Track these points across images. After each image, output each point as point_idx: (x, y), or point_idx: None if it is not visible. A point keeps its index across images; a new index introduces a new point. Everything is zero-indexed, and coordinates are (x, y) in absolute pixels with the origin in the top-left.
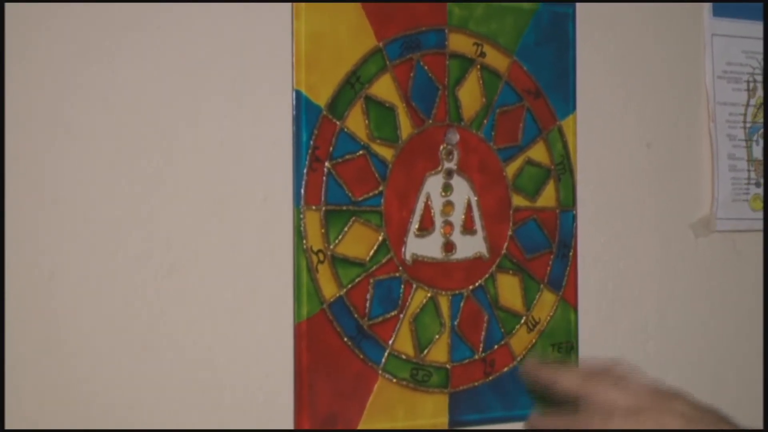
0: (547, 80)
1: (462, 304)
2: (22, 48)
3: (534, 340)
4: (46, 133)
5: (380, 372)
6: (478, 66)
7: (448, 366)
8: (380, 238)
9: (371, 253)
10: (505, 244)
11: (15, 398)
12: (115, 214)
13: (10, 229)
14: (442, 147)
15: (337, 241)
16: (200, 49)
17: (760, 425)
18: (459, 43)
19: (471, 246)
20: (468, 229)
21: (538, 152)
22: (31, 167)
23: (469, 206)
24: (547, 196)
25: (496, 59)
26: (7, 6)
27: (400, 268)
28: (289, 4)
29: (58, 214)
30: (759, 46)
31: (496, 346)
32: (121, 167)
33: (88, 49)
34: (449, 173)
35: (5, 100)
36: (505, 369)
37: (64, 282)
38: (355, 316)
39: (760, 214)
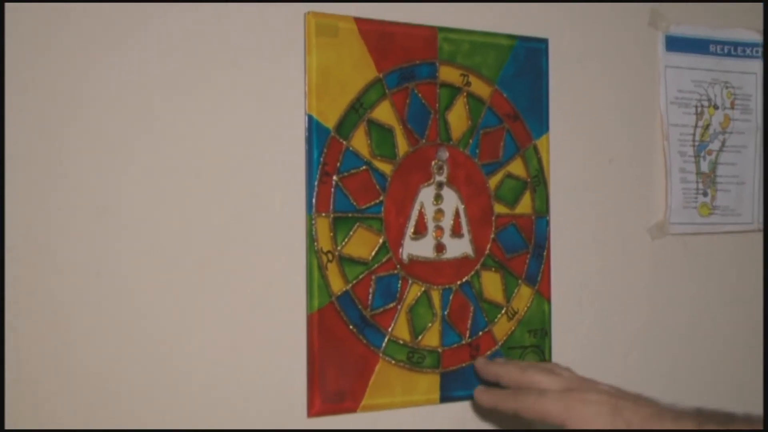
0: (524, 105)
1: (451, 297)
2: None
3: (513, 328)
4: (97, 149)
5: (381, 355)
6: (465, 93)
7: (439, 350)
8: (381, 240)
9: (373, 253)
10: (488, 246)
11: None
12: (153, 220)
13: (61, 232)
14: (433, 163)
15: (343, 243)
16: (227, 81)
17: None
18: (448, 74)
19: (459, 247)
20: (456, 233)
21: (516, 167)
22: (80, 178)
23: (457, 213)
24: (524, 205)
25: (480, 88)
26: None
27: (398, 266)
28: (301, 42)
29: (105, 220)
30: (705, 76)
31: (480, 333)
32: (158, 182)
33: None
34: (440, 185)
35: (64, 114)
36: (488, 352)
37: (109, 279)
38: (359, 307)
39: (707, 219)
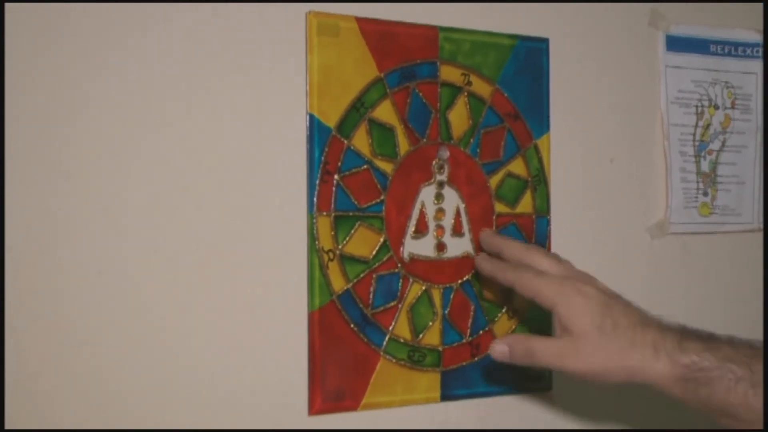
0: (525, 105)
1: (452, 296)
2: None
3: (514, 327)
4: (98, 148)
5: (382, 354)
6: (466, 93)
7: (440, 348)
8: (382, 239)
9: (374, 252)
10: None
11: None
12: (154, 218)
13: (63, 231)
14: (434, 162)
15: (344, 242)
16: (229, 81)
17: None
18: (449, 73)
19: (460, 246)
20: (457, 232)
21: (517, 166)
22: (82, 178)
23: (458, 212)
24: (525, 204)
25: (481, 87)
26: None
27: (399, 265)
28: (303, 41)
29: (106, 219)
30: (706, 76)
31: (481, 332)
32: (159, 180)
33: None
34: (441, 184)
35: (66, 114)
36: (489, 351)
37: (111, 278)
38: (360, 306)
39: (708, 219)
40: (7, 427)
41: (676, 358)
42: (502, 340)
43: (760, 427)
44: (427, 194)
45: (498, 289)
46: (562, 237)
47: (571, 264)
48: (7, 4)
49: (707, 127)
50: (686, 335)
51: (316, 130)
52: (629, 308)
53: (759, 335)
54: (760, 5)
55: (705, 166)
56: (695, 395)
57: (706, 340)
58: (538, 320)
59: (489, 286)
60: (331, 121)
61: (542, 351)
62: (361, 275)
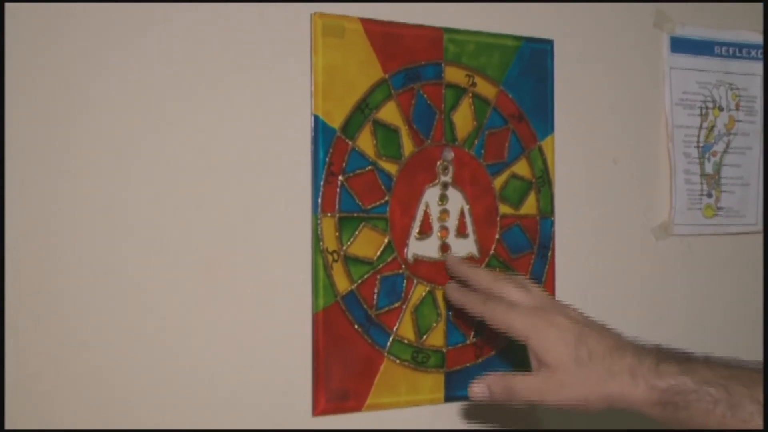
0: (529, 106)
1: None
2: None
3: None
4: (103, 147)
5: (386, 354)
6: (470, 94)
7: (444, 350)
8: (386, 240)
9: (378, 253)
10: (493, 246)
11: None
12: (159, 219)
13: (66, 231)
14: (439, 163)
15: (349, 243)
16: (234, 81)
17: None
18: (453, 74)
19: (464, 247)
20: (461, 233)
21: (521, 168)
22: (86, 177)
23: (462, 214)
24: (529, 205)
25: (486, 88)
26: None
27: (403, 266)
28: (308, 42)
29: (110, 219)
30: (710, 77)
31: (485, 333)
32: (164, 181)
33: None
34: (445, 185)
35: (69, 113)
36: (492, 353)
37: (114, 278)
38: (365, 306)
39: (712, 221)
40: (7, 427)
41: (654, 382)
42: (481, 380)
43: None
44: (431, 195)
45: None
46: (565, 238)
47: (541, 290)
48: (7, 4)
49: (711, 128)
50: (662, 358)
51: (320, 131)
52: (603, 334)
53: (761, 336)
54: (763, 6)
55: (709, 168)
56: (674, 418)
57: (683, 362)
58: (513, 348)
59: (459, 314)
60: (336, 122)
61: (521, 388)
62: (366, 276)
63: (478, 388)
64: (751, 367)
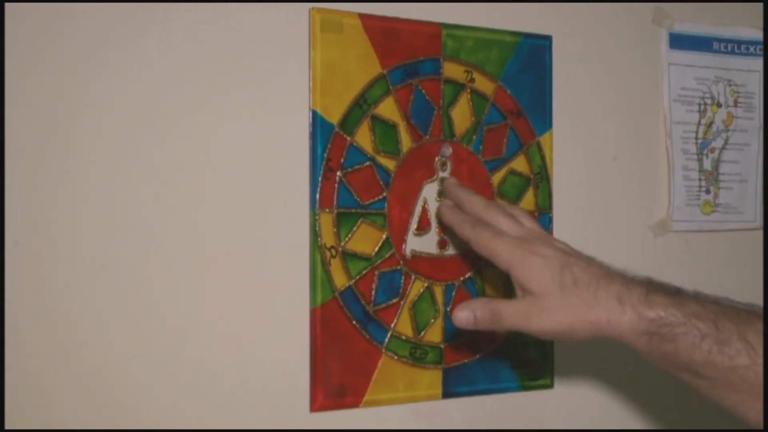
0: (528, 102)
1: (454, 293)
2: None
3: None
4: (103, 145)
5: (384, 350)
6: (469, 90)
7: (442, 346)
8: (384, 236)
9: (376, 249)
10: None
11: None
12: (157, 215)
13: (66, 228)
14: (437, 159)
15: (347, 239)
16: (232, 77)
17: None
18: (452, 70)
19: (462, 244)
20: None
21: (519, 164)
22: (86, 175)
23: None
24: (528, 201)
25: (484, 84)
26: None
27: (401, 262)
28: (306, 37)
29: (109, 216)
30: (709, 74)
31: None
32: (163, 177)
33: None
34: (443, 181)
35: (69, 111)
36: (490, 349)
37: (114, 275)
38: (363, 302)
39: (710, 217)
40: (7, 427)
41: (642, 311)
42: (465, 305)
43: (721, 386)
44: (429, 191)
45: (500, 284)
46: (564, 234)
47: (533, 222)
48: (7, 4)
49: (710, 124)
50: (653, 289)
51: (318, 126)
52: (591, 263)
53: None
54: (763, 3)
55: (707, 164)
56: (659, 350)
57: (673, 294)
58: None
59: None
60: (334, 117)
61: (507, 313)
62: (364, 272)
63: (462, 314)
64: (741, 307)
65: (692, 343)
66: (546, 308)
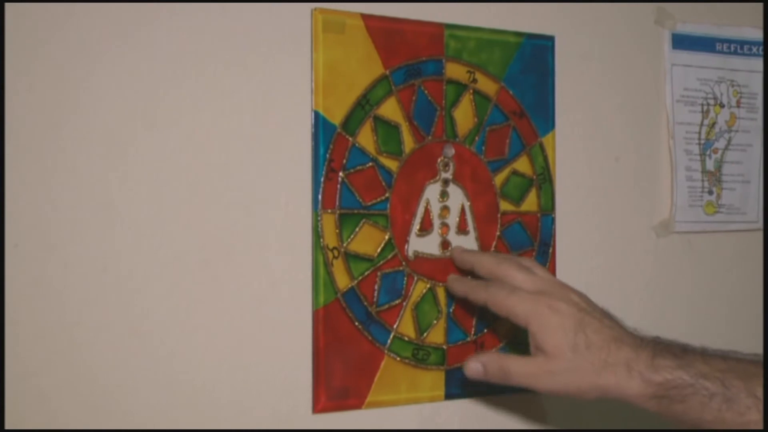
0: (530, 103)
1: None
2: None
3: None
4: (103, 144)
5: (386, 352)
6: (471, 91)
7: (444, 347)
8: (386, 237)
9: (378, 250)
10: (494, 243)
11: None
12: (158, 216)
13: (66, 228)
14: (439, 159)
15: (349, 240)
16: (234, 77)
17: None
18: (454, 71)
19: (464, 244)
20: (462, 230)
21: (522, 164)
22: (86, 174)
23: (462, 210)
24: (530, 202)
25: (487, 85)
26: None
27: (404, 263)
28: (308, 38)
29: (110, 216)
30: (711, 74)
31: (485, 330)
32: (164, 177)
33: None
34: (446, 182)
35: (69, 110)
36: (493, 349)
37: (115, 275)
38: (365, 303)
39: (713, 218)
40: (7, 427)
41: (650, 376)
42: (477, 358)
43: None
44: (432, 192)
45: (470, 309)
46: (566, 235)
47: (546, 272)
48: (7, 4)
49: (713, 125)
50: (659, 352)
51: (321, 127)
52: (604, 323)
53: (761, 333)
54: (762, 3)
55: (710, 165)
56: (669, 411)
57: (680, 355)
58: (515, 346)
59: (462, 307)
60: (337, 118)
61: (516, 372)
62: (366, 273)
63: (473, 365)
64: (748, 360)
65: (701, 403)
66: (556, 372)
